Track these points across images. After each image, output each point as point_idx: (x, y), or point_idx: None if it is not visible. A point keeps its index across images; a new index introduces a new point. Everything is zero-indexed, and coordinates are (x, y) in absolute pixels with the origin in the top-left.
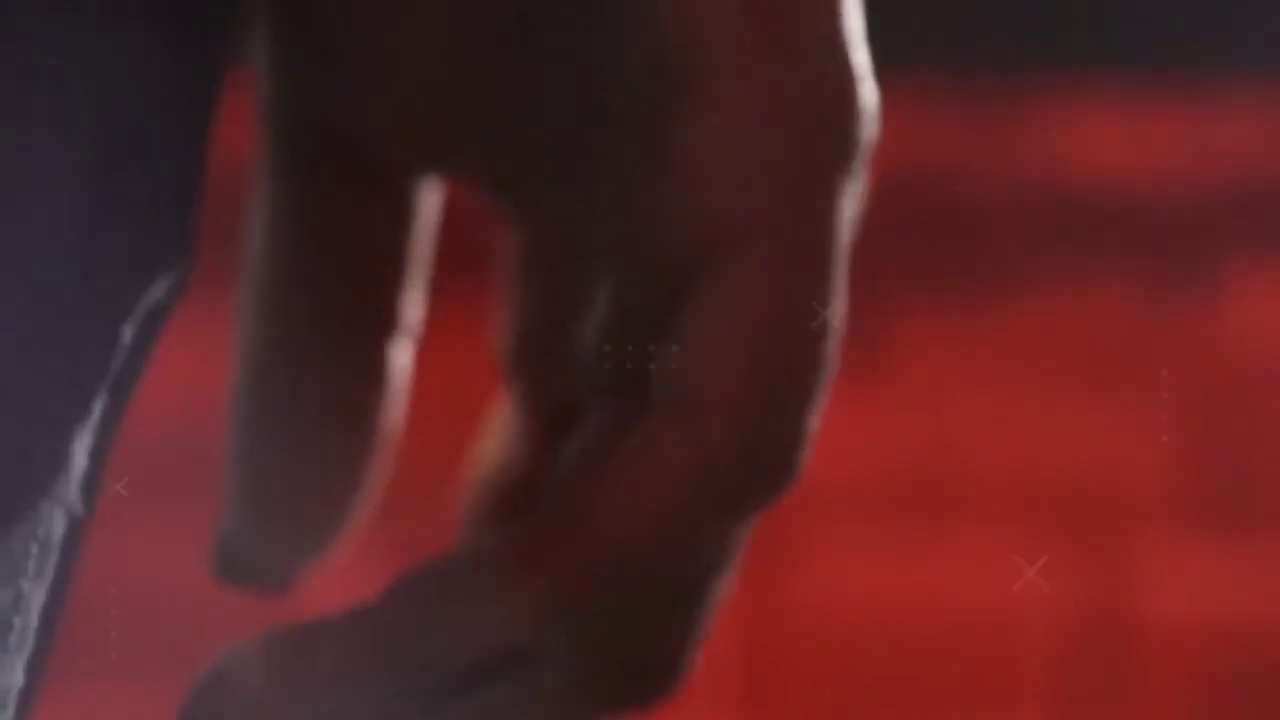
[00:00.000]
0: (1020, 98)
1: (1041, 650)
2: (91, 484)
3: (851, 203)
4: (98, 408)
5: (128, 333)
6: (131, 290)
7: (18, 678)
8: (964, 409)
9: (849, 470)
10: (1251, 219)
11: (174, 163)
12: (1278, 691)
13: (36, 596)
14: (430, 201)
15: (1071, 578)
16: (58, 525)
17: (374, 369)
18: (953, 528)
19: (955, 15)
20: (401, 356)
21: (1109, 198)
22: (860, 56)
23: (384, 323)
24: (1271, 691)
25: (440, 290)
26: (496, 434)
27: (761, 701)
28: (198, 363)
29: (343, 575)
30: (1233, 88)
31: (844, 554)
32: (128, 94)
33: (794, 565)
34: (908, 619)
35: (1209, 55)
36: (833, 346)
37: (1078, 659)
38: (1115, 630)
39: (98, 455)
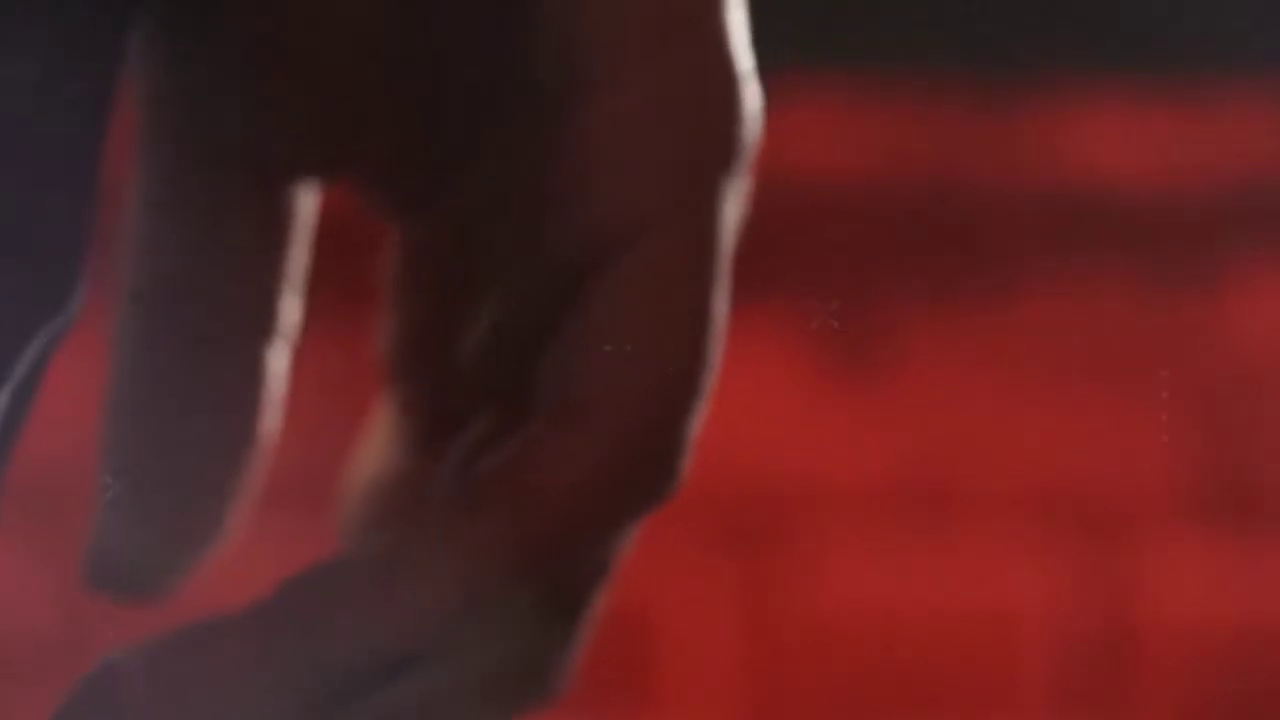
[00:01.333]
0: (1020, 98)
1: (1043, 651)
2: None
3: (735, 203)
4: None
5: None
6: (13, 343)
7: None
8: (964, 409)
9: (849, 472)
10: (1252, 219)
11: (63, 206)
12: (1278, 691)
13: None
14: (309, 203)
15: (1072, 578)
16: None
17: (251, 373)
18: (953, 528)
19: (954, 15)
20: (279, 360)
21: (1109, 197)
22: (744, 60)
23: (261, 326)
24: (1272, 691)
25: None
26: (375, 440)
27: (763, 704)
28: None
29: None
30: (1233, 88)
31: (845, 556)
32: (17, 125)
33: (796, 568)
34: (909, 620)
35: (1209, 55)
36: (715, 351)
37: (1078, 659)
38: (1116, 630)
39: None
